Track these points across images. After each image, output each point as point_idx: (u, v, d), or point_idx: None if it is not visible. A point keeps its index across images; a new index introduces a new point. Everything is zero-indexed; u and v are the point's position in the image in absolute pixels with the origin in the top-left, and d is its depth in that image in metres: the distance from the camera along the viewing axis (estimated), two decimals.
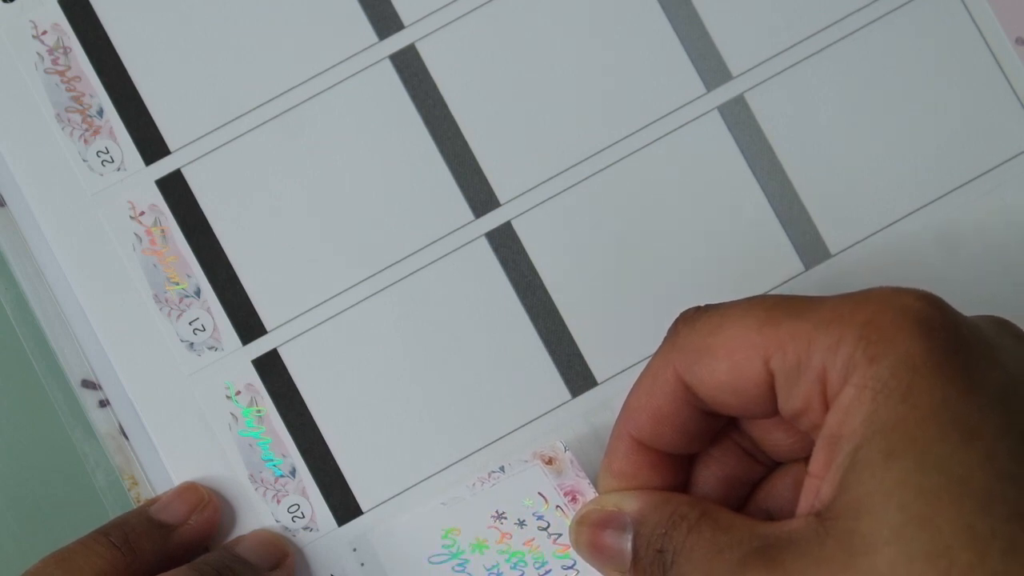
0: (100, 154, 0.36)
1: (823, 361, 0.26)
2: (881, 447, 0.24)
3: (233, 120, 0.36)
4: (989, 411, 0.24)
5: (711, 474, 0.30)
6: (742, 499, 0.30)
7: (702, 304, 0.29)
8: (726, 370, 0.27)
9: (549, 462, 0.34)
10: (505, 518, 0.34)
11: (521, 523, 0.34)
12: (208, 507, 0.34)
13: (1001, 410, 0.25)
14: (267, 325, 0.35)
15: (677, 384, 0.28)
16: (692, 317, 0.29)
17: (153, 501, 0.34)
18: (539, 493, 0.34)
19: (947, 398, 0.24)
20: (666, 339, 0.29)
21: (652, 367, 0.29)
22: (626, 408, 0.30)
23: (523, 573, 0.34)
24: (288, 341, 0.35)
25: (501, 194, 0.36)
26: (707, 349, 0.28)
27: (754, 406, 0.28)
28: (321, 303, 0.35)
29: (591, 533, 0.30)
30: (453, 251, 0.35)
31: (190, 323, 0.35)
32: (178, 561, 0.32)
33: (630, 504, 0.30)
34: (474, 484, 0.34)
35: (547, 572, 0.34)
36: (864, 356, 0.25)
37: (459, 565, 0.34)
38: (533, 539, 0.34)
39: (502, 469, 0.34)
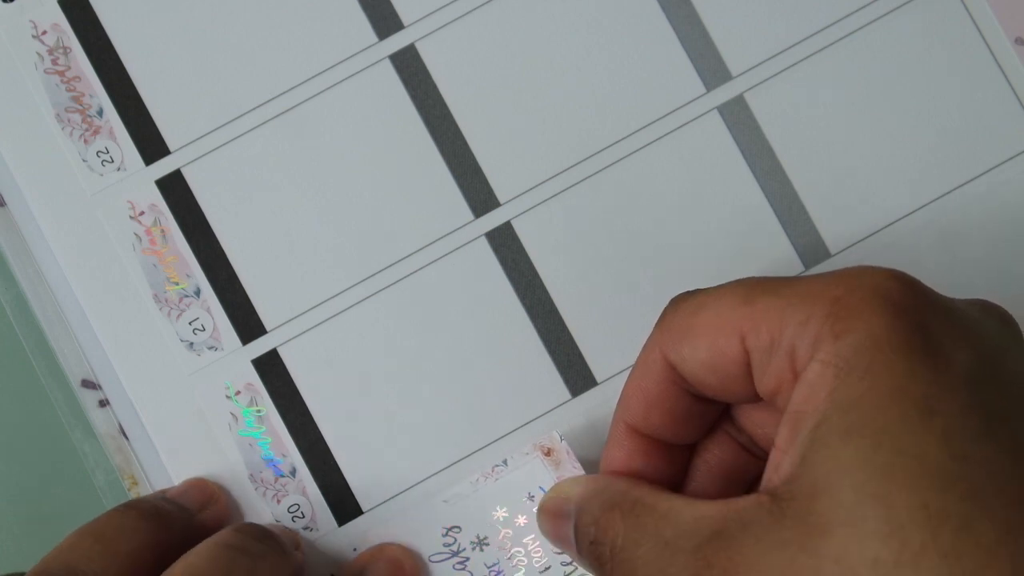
0: (100, 154, 0.36)
1: (793, 338, 0.26)
2: (840, 425, 0.24)
3: (233, 120, 0.36)
4: (952, 391, 0.24)
5: (708, 468, 0.31)
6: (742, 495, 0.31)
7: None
8: (706, 348, 0.28)
9: (548, 453, 0.34)
10: (506, 515, 0.35)
11: (521, 520, 0.35)
12: (219, 503, 0.35)
13: (966, 391, 0.24)
14: (267, 325, 0.36)
15: (664, 365, 0.29)
16: (677, 300, 0.29)
17: (164, 492, 0.35)
18: (540, 487, 0.34)
19: (909, 377, 0.24)
20: (656, 323, 0.29)
21: (642, 351, 0.30)
22: (621, 395, 0.30)
23: (523, 570, 0.34)
24: (288, 341, 0.36)
25: (501, 194, 0.36)
26: (689, 329, 0.28)
27: (734, 386, 0.28)
28: (321, 303, 0.36)
29: (547, 522, 0.31)
30: (453, 251, 0.36)
31: (190, 323, 0.36)
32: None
33: (575, 490, 0.30)
34: (477, 480, 0.35)
35: (547, 567, 0.34)
36: (830, 333, 0.25)
37: (459, 563, 0.35)
38: (533, 535, 0.34)
39: (505, 463, 0.35)
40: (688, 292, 0.29)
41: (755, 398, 0.28)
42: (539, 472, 0.34)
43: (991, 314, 0.27)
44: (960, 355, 0.25)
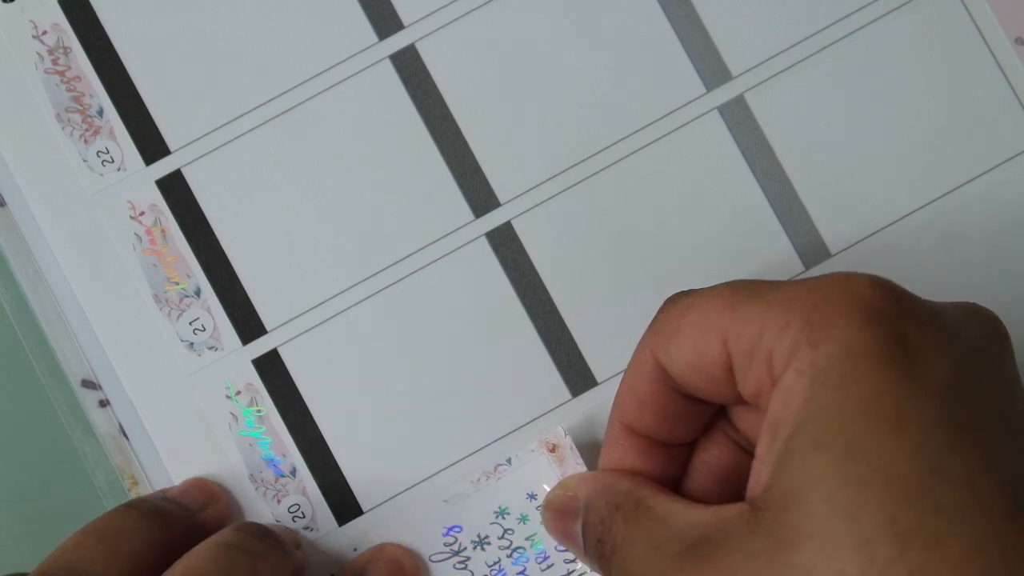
0: (100, 154, 0.36)
1: (771, 344, 0.26)
2: (812, 436, 0.24)
3: (233, 120, 0.36)
4: (927, 401, 0.24)
5: (707, 468, 0.31)
6: (741, 496, 0.31)
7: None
8: (690, 350, 0.28)
9: (552, 449, 0.35)
10: (508, 514, 0.35)
11: (523, 519, 0.35)
12: (220, 502, 0.35)
13: (941, 401, 0.24)
14: (267, 325, 0.36)
15: (654, 365, 0.29)
16: (670, 300, 0.29)
17: (164, 492, 0.35)
18: (544, 485, 0.34)
19: (882, 388, 0.24)
20: (649, 323, 0.30)
21: (635, 351, 0.30)
22: (616, 395, 0.31)
23: (525, 569, 0.35)
24: (288, 341, 0.36)
25: (501, 194, 0.36)
26: (676, 330, 0.28)
27: (719, 388, 0.28)
28: (321, 303, 0.36)
29: (553, 519, 0.31)
30: (453, 251, 0.36)
31: (190, 323, 0.36)
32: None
33: (582, 488, 0.30)
34: (479, 479, 0.35)
35: (549, 566, 0.35)
36: (807, 341, 0.25)
37: (460, 563, 0.35)
38: (535, 533, 0.35)
39: (509, 461, 0.35)
40: (681, 292, 0.30)
41: (742, 400, 0.28)
42: (543, 469, 0.35)
43: (975, 318, 0.27)
44: (938, 363, 0.25)
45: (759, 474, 0.26)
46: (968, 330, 0.26)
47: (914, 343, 0.25)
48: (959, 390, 0.25)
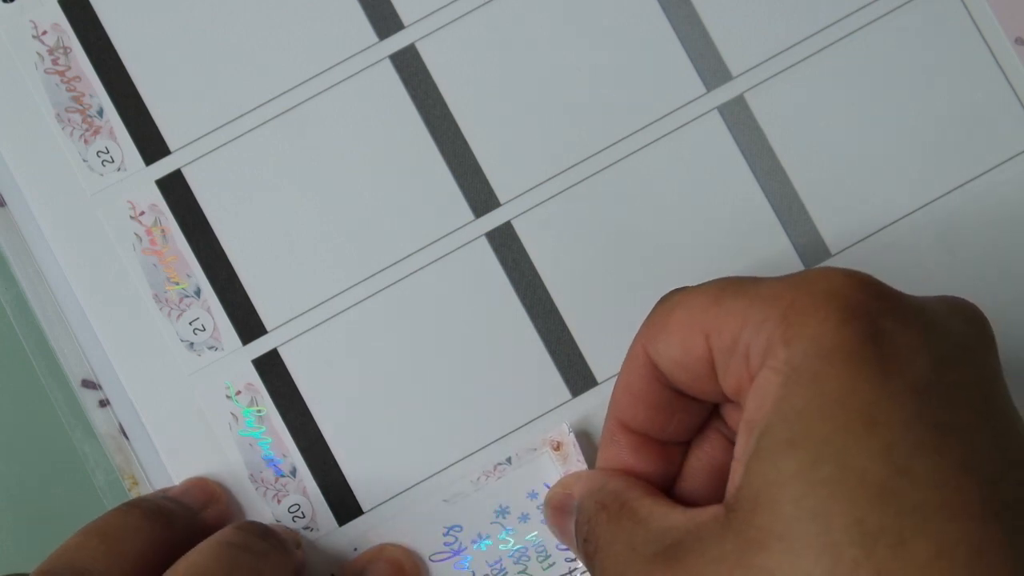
0: (100, 154, 0.36)
1: (748, 340, 0.26)
2: (784, 435, 0.24)
3: (233, 120, 0.37)
4: (901, 400, 0.24)
5: (701, 467, 0.31)
6: None
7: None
8: (677, 345, 0.28)
9: (557, 447, 0.35)
10: (508, 513, 0.35)
11: (524, 517, 0.35)
12: (220, 502, 0.35)
13: (917, 399, 0.24)
14: (267, 325, 0.36)
15: (645, 359, 0.29)
16: (663, 297, 0.29)
17: (165, 491, 0.35)
18: (545, 484, 0.35)
19: (856, 387, 0.24)
20: (644, 320, 0.30)
21: (630, 347, 0.30)
22: (612, 392, 0.31)
23: (526, 568, 0.35)
24: (288, 341, 0.36)
25: (501, 194, 0.36)
26: (665, 326, 0.28)
27: (704, 384, 0.28)
28: (321, 303, 0.36)
29: (552, 515, 0.31)
30: (453, 251, 0.36)
31: (190, 323, 0.36)
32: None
33: (577, 487, 0.30)
34: (479, 478, 0.35)
35: (551, 565, 0.35)
36: (781, 338, 0.25)
37: (461, 563, 0.35)
38: (536, 532, 0.35)
39: (509, 461, 0.35)
40: (675, 289, 0.30)
41: (728, 397, 0.28)
42: (545, 468, 0.35)
43: (960, 314, 0.27)
44: (917, 360, 0.24)
45: (734, 475, 0.25)
46: (952, 326, 0.26)
47: (892, 339, 0.24)
48: (938, 388, 0.24)
